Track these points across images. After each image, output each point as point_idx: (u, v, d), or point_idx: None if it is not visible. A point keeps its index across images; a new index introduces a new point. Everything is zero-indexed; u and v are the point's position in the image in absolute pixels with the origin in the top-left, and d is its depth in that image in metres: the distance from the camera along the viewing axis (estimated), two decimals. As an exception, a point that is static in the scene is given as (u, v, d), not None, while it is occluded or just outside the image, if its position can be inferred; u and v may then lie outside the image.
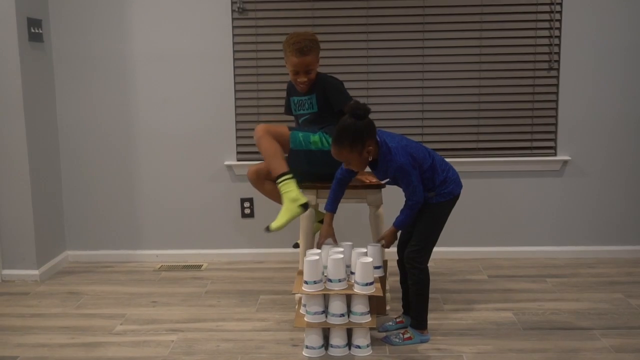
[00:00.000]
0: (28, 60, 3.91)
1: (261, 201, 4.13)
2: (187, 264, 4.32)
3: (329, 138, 3.23)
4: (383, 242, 3.05)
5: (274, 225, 3.08)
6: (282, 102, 3.66)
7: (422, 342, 2.99)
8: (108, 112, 4.26)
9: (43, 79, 4.10)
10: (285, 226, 3.08)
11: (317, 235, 3.33)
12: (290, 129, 3.28)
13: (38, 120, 4.03)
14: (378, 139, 2.87)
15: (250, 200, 4.26)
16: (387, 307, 3.34)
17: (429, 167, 2.92)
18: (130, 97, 4.24)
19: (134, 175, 4.34)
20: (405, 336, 3.00)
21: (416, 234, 2.99)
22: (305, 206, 3.10)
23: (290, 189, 3.11)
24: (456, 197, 3.01)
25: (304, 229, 3.30)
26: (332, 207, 3.11)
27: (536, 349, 2.92)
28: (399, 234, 3.07)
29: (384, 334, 3.07)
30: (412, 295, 3.02)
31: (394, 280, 3.44)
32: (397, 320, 3.17)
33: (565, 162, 4.25)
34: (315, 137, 3.23)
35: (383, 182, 3.00)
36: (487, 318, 3.30)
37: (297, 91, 3.34)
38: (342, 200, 3.31)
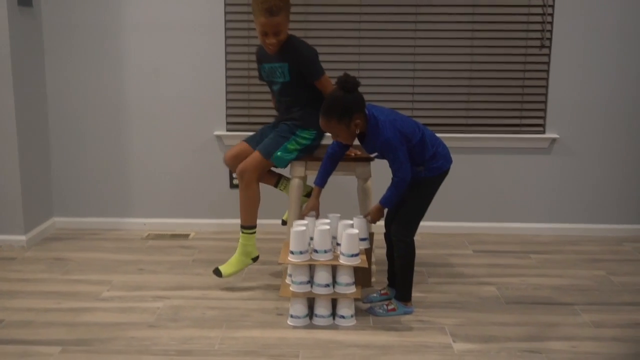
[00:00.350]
0: (17, 25, 3.87)
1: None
2: (174, 232, 4.33)
3: (305, 133, 3.21)
4: (369, 217, 3.07)
5: (225, 272, 3.24)
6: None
7: (405, 313, 3.04)
8: (97, 79, 4.23)
9: (32, 44, 4.06)
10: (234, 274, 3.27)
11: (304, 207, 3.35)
12: (266, 152, 3.16)
13: (26, 86, 4.00)
14: (367, 113, 2.88)
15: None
16: (372, 279, 3.38)
17: (419, 141, 2.93)
18: (120, 65, 4.21)
19: (123, 143, 4.33)
20: (389, 307, 3.04)
21: (403, 208, 3.01)
22: (255, 259, 3.27)
23: (249, 242, 3.25)
24: (445, 172, 3.03)
25: (292, 201, 3.32)
26: (321, 182, 3.12)
27: (518, 322, 2.97)
28: (385, 211, 3.09)
29: (368, 305, 3.10)
30: (398, 268, 3.05)
31: (380, 253, 3.47)
32: (382, 292, 3.21)
33: (553, 140, 4.27)
34: (291, 145, 3.19)
35: (372, 155, 3.02)
36: (470, 292, 3.34)
37: (267, 56, 3.21)
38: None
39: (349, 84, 2.81)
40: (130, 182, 4.37)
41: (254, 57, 4.15)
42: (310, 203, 3.13)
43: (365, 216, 3.10)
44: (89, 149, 4.33)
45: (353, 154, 3.24)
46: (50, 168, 4.34)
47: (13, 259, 3.77)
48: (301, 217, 3.14)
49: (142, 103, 4.26)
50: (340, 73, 2.91)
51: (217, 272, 3.25)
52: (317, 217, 3.13)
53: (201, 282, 3.44)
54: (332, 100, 2.82)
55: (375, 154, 2.97)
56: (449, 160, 3.03)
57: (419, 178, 2.97)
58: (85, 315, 3.02)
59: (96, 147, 4.32)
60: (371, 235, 3.17)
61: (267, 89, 3.55)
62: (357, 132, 2.88)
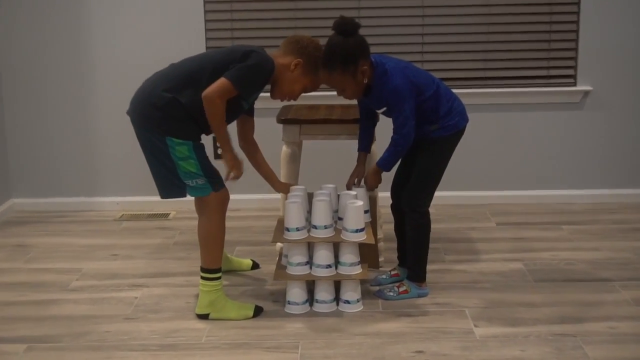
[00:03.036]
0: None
1: (234, 140, 4.12)
2: (152, 212, 4.34)
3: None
4: (364, 183, 3.06)
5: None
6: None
7: (419, 296, 3.04)
8: (59, 41, 4.20)
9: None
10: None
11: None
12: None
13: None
14: (373, 60, 2.86)
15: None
16: (380, 259, 3.38)
17: (433, 95, 2.91)
18: (86, 24, 4.17)
19: (90, 113, 4.30)
20: (401, 289, 3.04)
21: (415, 173, 3.00)
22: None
23: (212, 289, 2.89)
24: (461, 131, 3.01)
25: (283, 175, 3.30)
26: (365, 146, 3.12)
27: (548, 303, 2.98)
28: (383, 175, 3.06)
29: (377, 288, 3.11)
30: (410, 243, 3.05)
31: (388, 228, 3.48)
32: (392, 272, 3.22)
33: (586, 93, 4.25)
34: (181, 149, 2.82)
35: (379, 111, 2.98)
36: (493, 270, 3.35)
37: None
38: (328, 136, 3.32)
39: (347, 26, 2.77)
40: (99, 156, 4.36)
41: (236, 16, 4.17)
42: (357, 170, 3.12)
43: (359, 182, 3.08)
44: (50, 119, 4.30)
45: (355, 181, 3.13)
46: (6, 143, 4.32)
47: (-32, 247, 3.78)
48: (348, 187, 3.12)
49: (111, 65, 4.23)
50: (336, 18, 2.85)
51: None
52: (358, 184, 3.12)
53: (184, 268, 3.44)
54: (331, 47, 2.78)
55: (384, 109, 2.94)
56: (465, 118, 3.02)
57: (431, 138, 2.96)
58: (53, 309, 3.02)
59: (59, 118, 4.30)
60: (373, 201, 3.15)
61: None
62: (365, 81, 2.84)
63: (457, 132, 3.00)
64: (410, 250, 3.06)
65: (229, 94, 2.74)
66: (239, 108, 2.93)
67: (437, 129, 2.95)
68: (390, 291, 3.04)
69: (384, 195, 3.23)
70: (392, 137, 2.91)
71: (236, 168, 2.88)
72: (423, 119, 2.92)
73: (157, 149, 2.82)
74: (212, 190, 2.84)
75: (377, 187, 3.09)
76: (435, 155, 3.00)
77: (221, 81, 2.73)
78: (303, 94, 3.01)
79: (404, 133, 2.87)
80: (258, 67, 2.79)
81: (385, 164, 2.97)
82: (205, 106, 2.74)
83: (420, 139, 2.95)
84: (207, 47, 4.20)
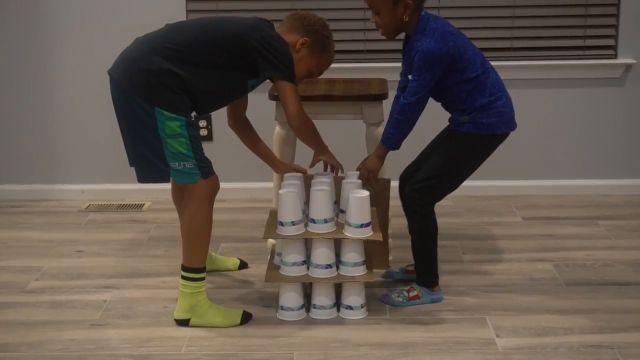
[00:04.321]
0: None
1: (221, 119, 4.12)
2: (123, 202, 4.35)
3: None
4: (363, 170, 3.02)
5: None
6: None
7: (432, 301, 3.06)
8: (11, 6, 4.18)
9: None
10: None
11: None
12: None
13: None
14: (423, 13, 2.87)
15: (208, 119, 4.25)
16: (390, 258, 3.40)
17: (475, 77, 2.89)
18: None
19: (50, 87, 4.30)
20: (411, 294, 3.05)
21: (427, 166, 2.99)
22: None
23: (195, 290, 2.91)
24: (497, 136, 2.96)
25: (279, 156, 3.31)
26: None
27: (581, 310, 3.00)
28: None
29: (383, 292, 3.11)
30: (414, 248, 3.05)
31: (396, 223, 3.49)
32: (407, 268, 3.23)
33: (628, 66, 4.26)
34: (171, 125, 2.81)
35: (410, 77, 2.96)
36: (519, 271, 3.37)
37: None
38: (329, 116, 3.33)
39: None
40: (62, 138, 4.36)
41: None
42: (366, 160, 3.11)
43: (358, 168, 3.05)
44: (3, 95, 4.30)
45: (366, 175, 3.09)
46: (-46, 120, 4.33)
47: None
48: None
49: (75, 34, 4.23)
50: None
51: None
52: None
53: (161, 267, 3.45)
54: None
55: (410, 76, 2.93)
56: (508, 124, 2.97)
57: (460, 131, 2.95)
58: (8, 313, 3.03)
59: (14, 93, 4.30)
60: (385, 189, 3.12)
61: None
62: (405, 18, 2.83)
63: (489, 136, 2.95)
64: (415, 256, 3.07)
65: (298, 95, 2.87)
66: (243, 91, 3.00)
67: (467, 123, 2.94)
68: (398, 296, 3.05)
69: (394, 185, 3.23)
70: (399, 102, 2.91)
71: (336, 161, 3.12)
72: (456, 104, 2.93)
73: (141, 122, 2.81)
74: (200, 176, 2.84)
75: (374, 176, 3.02)
76: (456, 152, 2.97)
77: (287, 91, 2.84)
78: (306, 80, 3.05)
79: (413, 101, 2.86)
80: (288, 52, 2.87)
81: (389, 140, 2.95)
82: (299, 133, 2.98)
83: (450, 129, 2.96)
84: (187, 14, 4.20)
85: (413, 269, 3.19)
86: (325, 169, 3.18)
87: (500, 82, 2.99)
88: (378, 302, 3.07)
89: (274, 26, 2.94)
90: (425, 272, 3.07)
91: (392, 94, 3.09)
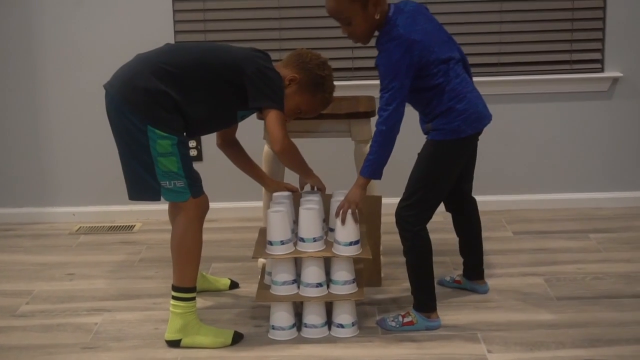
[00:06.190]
0: None
1: (211, 139, 4.13)
2: (114, 224, 4.34)
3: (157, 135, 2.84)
4: (345, 206, 2.92)
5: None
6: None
7: (427, 329, 2.98)
8: (3, 31, 4.20)
9: None
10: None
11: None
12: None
13: None
14: (393, 6, 2.84)
15: (197, 139, 4.25)
16: (382, 275, 3.40)
17: (434, 86, 2.85)
18: (35, 12, 4.17)
19: (39, 110, 4.31)
20: (406, 320, 3.00)
21: (408, 181, 2.97)
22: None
23: (186, 310, 2.91)
24: (463, 139, 2.91)
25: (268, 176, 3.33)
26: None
27: (573, 324, 3.00)
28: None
29: (377, 318, 3.08)
30: (408, 269, 3.03)
31: (385, 239, 3.49)
32: (456, 278, 3.29)
33: (615, 79, 4.27)
34: (163, 144, 2.82)
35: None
36: (510, 286, 3.37)
37: None
38: (317, 134, 3.33)
39: None
40: (52, 160, 4.36)
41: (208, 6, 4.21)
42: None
43: (338, 210, 2.93)
44: (-7, 116, 4.31)
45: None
46: (-57, 144, 4.33)
47: None
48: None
49: (65, 52, 4.23)
50: None
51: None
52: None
53: (152, 289, 3.45)
54: None
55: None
56: (473, 125, 2.91)
57: (429, 140, 2.94)
58: (-1, 338, 3.02)
59: (3, 114, 4.30)
60: (377, 205, 3.12)
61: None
62: (377, 17, 2.79)
63: (457, 141, 2.90)
64: (410, 278, 3.03)
65: (284, 121, 2.89)
66: (232, 121, 3.03)
67: (432, 130, 2.92)
68: (392, 321, 3.01)
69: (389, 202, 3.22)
70: (376, 125, 2.86)
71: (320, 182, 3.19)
72: (419, 110, 2.94)
73: (133, 139, 2.82)
74: (190, 195, 2.85)
75: (355, 208, 2.91)
76: (429, 163, 2.93)
77: (272, 117, 2.84)
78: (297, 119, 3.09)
79: (385, 117, 2.80)
80: (280, 84, 2.91)
81: (371, 169, 2.88)
82: (282, 158, 3.02)
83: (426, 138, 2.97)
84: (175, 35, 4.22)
85: (460, 279, 3.25)
86: (312, 189, 3.20)
87: (462, 84, 2.90)
88: (370, 319, 3.07)
89: (270, 58, 2.97)
90: (420, 295, 3.02)
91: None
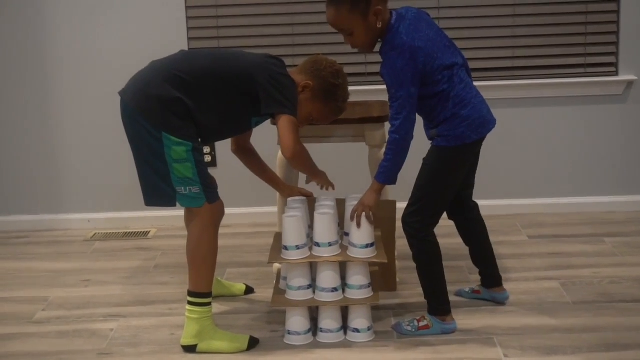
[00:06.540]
0: None
1: (225, 145, 4.14)
2: (128, 230, 4.36)
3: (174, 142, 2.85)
4: (358, 210, 2.93)
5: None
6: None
7: (443, 332, 2.98)
8: (17, 39, 4.23)
9: None
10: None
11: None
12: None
13: None
14: (395, 13, 2.83)
15: (212, 145, 4.26)
16: (397, 280, 3.39)
17: (438, 93, 2.83)
18: (49, 21, 4.19)
19: (53, 117, 4.33)
20: (421, 324, 3.00)
21: (414, 188, 2.96)
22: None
23: (202, 316, 2.91)
24: (470, 145, 2.91)
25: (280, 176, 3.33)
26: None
27: (589, 328, 2.99)
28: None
29: (393, 323, 3.08)
30: (419, 274, 3.02)
31: (400, 244, 3.48)
32: (475, 289, 3.26)
33: (629, 83, 4.27)
34: (178, 150, 2.83)
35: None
36: (526, 290, 3.36)
37: None
38: (331, 139, 3.33)
39: None
40: (66, 167, 4.38)
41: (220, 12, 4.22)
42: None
43: (352, 213, 2.94)
44: (6, 123, 4.32)
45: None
46: (-41, 152, 4.35)
47: None
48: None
49: (79, 59, 4.26)
50: None
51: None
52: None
53: (167, 294, 3.45)
54: None
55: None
56: (478, 131, 2.89)
57: (433, 146, 2.93)
58: (15, 344, 3.03)
59: (17, 122, 4.32)
60: (391, 209, 3.12)
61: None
62: (379, 25, 2.78)
63: (461, 147, 2.89)
64: (422, 283, 3.03)
65: (296, 127, 2.88)
66: (247, 127, 3.04)
67: (437, 137, 2.90)
68: (408, 325, 3.01)
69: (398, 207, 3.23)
70: (389, 134, 2.86)
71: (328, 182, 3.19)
72: (423, 117, 2.92)
73: (148, 146, 2.83)
74: (205, 200, 2.86)
75: (369, 212, 2.92)
76: (434, 168, 2.91)
77: (284, 123, 2.84)
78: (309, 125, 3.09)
79: (397, 127, 2.80)
80: (294, 90, 2.91)
81: (386, 176, 2.88)
82: (293, 164, 3.04)
83: (431, 144, 2.96)
84: (189, 42, 4.23)
85: (480, 289, 3.24)
86: (321, 188, 3.22)
87: (466, 89, 2.89)
88: (385, 324, 3.06)
89: (284, 64, 2.97)
90: (433, 299, 3.02)
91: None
